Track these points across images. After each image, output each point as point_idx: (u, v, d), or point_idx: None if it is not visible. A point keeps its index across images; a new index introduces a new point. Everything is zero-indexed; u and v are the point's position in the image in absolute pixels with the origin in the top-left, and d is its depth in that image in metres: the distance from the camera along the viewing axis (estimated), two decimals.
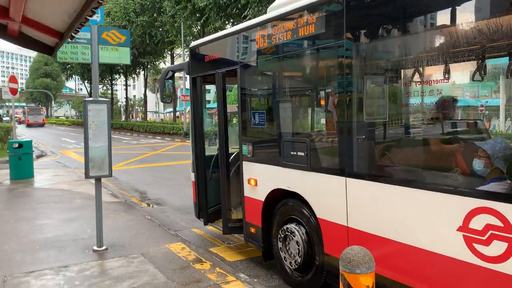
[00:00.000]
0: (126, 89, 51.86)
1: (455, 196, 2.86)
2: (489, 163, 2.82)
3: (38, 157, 17.62)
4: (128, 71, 47.40)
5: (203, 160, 6.25)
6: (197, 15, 24.73)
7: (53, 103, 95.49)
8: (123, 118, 55.52)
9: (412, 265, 3.20)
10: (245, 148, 5.13)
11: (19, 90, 14.02)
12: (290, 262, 4.52)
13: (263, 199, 4.88)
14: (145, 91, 49.39)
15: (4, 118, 52.21)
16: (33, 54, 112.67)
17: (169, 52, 42.31)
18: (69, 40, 4.51)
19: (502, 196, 2.67)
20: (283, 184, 4.57)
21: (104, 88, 57.38)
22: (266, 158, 4.89)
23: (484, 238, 2.71)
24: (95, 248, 5.61)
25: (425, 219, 3.09)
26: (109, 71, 46.77)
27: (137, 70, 48.73)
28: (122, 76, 51.31)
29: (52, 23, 3.96)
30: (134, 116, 66.19)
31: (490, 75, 3.10)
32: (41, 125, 53.89)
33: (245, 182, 5.17)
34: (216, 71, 5.62)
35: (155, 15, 35.31)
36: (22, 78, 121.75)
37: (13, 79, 13.51)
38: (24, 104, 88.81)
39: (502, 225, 2.61)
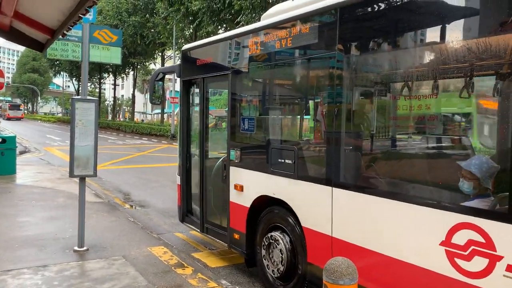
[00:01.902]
0: (115, 89, 51.47)
1: (438, 210, 2.89)
2: (477, 184, 2.83)
3: (22, 153, 17.35)
4: (117, 70, 47.04)
5: (190, 163, 6.27)
6: (190, 18, 24.73)
7: (39, 99, 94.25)
8: (110, 118, 55.01)
9: (395, 277, 3.23)
10: (232, 153, 5.10)
11: (4, 84, 13.81)
12: (273, 270, 4.50)
13: (248, 205, 4.85)
14: (133, 91, 49.07)
15: None
16: (21, 48, 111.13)
17: (160, 54, 42.16)
18: (60, 37, 4.47)
19: (484, 212, 2.70)
20: (269, 191, 4.56)
21: (92, 86, 56.81)
22: (254, 164, 4.88)
23: (466, 253, 2.74)
24: (76, 248, 5.54)
25: (408, 232, 3.12)
26: (98, 69, 46.37)
27: (127, 70, 48.40)
28: (111, 75, 50.93)
29: (44, 19, 3.92)
30: (121, 116, 65.67)
31: (478, 92, 3.13)
32: (19, 119, 63.11)
33: (231, 187, 5.13)
34: (207, 75, 5.66)
35: (147, 16, 35.17)
36: (9, 73, 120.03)
37: None
38: (9, 98, 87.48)
39: (483, 241, 2.64)
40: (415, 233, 3.07)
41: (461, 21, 3.00)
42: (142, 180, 12.26)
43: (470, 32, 2.96)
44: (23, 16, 3.83)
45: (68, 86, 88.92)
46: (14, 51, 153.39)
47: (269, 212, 4.66)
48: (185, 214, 6.36)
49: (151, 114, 63.14)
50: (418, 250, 3.05)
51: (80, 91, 5.36)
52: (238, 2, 19.37)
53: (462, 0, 2.98)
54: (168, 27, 29.62)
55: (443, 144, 3.43)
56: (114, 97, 52.93)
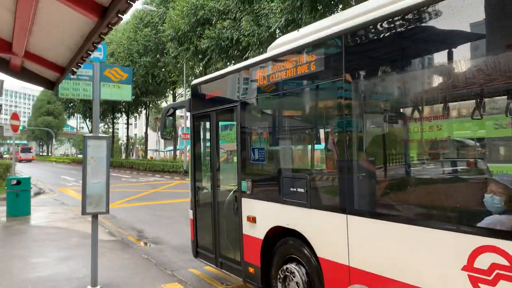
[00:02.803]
0: (128, 128, 52.21)
1: (458, 234, 2.79)
2: (506, 199, 2.69)
3: (36, 194, 17.47)
4: (130, 109, 47.89)
5: (201, 197, 6.22)
6: (200, 56, 25.28)
7: (54, 141, 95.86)
8: (123, 156, 55.54)
9: None
10: (244, 184, 5.04)
11: (20, 127, 14.10)
12: None
13: (262, 237, 4.73)
14: (146, 129, 49.70)
15: (4, 156, 52.71)
16: (36, 93, 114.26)
17: (171, 92, 42.91)
18: (71, 76, 4.55)
19: (507, 234, 2.57)
20: (282, 221, 4.45)
21: (106, 126, 57.78)
22: (265, 194, 4.80)
23: (490, 278, 2.62)
24: (89, 287, 5.43)
25: (428, 258, 2.99)
26: (111, 109, 47.26)
27: (139, 109, 49.24)
28: (123, 115, 51.80)
29: (54, 57, 4.00)
30: (134, 154, 66.32)
31: (489, 113, 3.06)
32: (30, 160, 67.27)
33: (244, 219, 5.05)
34: (216, 108, 5.70)
35: (158, 55, 36.04)
36: (25, 116, 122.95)
37: (15, 116, 13.62)
38: (25, 141, 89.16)
39: (508, 264, 2.52)
40: (436, 259, 2.95)
41: (467, 44, 3.00)
42: (156, 217, 12.17)
43: (477, 52, 2.93)
44: (33, 55, 3.92)
45: (82, 128, 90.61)
46: (29, 95, 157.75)
47: (284, 243, 4.53)
48: (199, 249, 6.25)
49: (163, 151, 63.66)
50: (440, 276, 2.92)
51: (92, 129, 5.42)
52: (246, 39, 19.78)
53: (467, 24, 2.95)
54: (178, 65, 30.28)
55: (458, 167, 3.34)
56: (127, 136, 53.62)
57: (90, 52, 3.34)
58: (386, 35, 3.47)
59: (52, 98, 77.31)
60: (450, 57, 3.06)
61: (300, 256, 4.30)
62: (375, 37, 3.59)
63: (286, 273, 4.40)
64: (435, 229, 2.92)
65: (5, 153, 64.85)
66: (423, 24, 3.16)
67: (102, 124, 54.50)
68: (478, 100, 3.00)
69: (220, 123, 5.96)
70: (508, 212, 2.69)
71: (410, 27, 3.25)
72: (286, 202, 4.37)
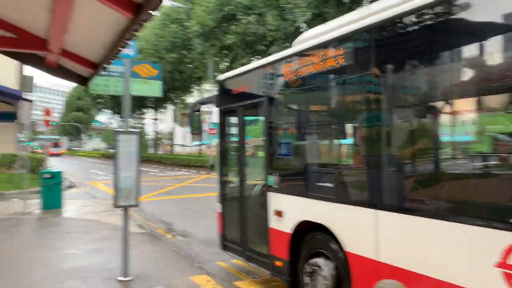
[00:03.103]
0: (155, 123, 52.97)
1: (492, 230, 2.75)
2: None
3: (68, 188, 17.97)
4: (157, 105, 48.57)
5: (229, 190, 6.33)
6: (225, 52, 25.41)
7: (84, 136, 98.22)
8: (151, 151, 56.42)
9: None
10: (271, 179, 5.09)
11: (53, 123, 14.53)
12: None
13: (289, 231, 4.76)
14: (173, 124, 50.31)
15: (36, 150, 54.40)
16: (67, 89, 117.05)
17: (197, 88, 43.26)
18: (103, 72, 4.67)
19: None
20: (309, 216, 4.49)
21: (134, 122, 58.82)
22: (293, 189, 4.83)
23: None
24: (120, 278, 5.59)
25: (460, 254, 2.97)
26: (139, 105, 48.03)
27: (166, 105, 49.88)
28: (151, 110, 52.59)
29: (87, 54, 4.12)
30: (162, 149, 67.29)
31: None
32: (59, 155, 67.86)
33: (271, 214, 5.09)
34: (243, 103, 5.77)
35: (184, 52, 36.39)
36: (57, 112, 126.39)
37: (47, 112, 14.05)
38: (57, 137, 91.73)
39: None
40: (468, 255, 2.93)
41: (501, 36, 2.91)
42: (183, 210, 12.36)
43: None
44: (68, 52, 4.05)
45: (111, 123, 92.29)
46: (61, 92, 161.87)
47: (311, 238, 4.55)
48: (226, 242, 6.36)
49: (190, 146, 64.34)
50: (472, 273, 2.90)
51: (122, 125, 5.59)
52: (271, 34, 19.76)
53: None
54: (204, 61, 30.51)
55: (491, 162, 3.27)
56: (155, 131, 54.44)
57: (122, 49, 3.43)
58: (413, 28, 3.44)
59: (82, 94, 79.10)
60: (486, 49, 2.98)
61: (327, 250, 4.30)
62: (402, 31, 3.57)
63: (314, 267, 4.42)
64: (468, 224, 2.89)
65: (38, 147, 66.71)
66: (454, 17, 3.09)
67: (130, 119, 55.44)
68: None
69: (247, 118, 5.99)
70: None
71: (439, 19, 3.20)
72: (313, 196, 4.38)
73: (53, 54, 3.92)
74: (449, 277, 3.01)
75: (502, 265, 2.67)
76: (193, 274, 5.81)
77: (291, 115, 5.37)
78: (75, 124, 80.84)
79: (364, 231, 3.73)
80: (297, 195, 4.67)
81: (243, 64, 22.59)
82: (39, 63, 4.53)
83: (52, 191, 11.60)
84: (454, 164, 3.48)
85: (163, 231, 9.51)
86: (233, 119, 6.23)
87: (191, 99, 49.90)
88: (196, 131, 7.02)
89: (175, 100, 47.69)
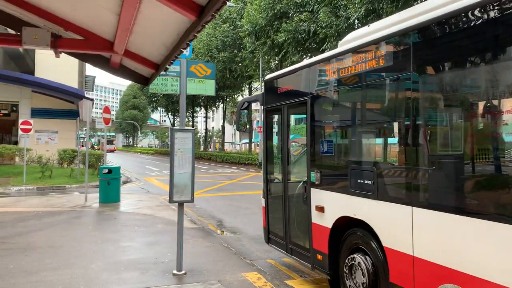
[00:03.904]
0: (206, 121, 54.04)
1: None
2: None
3: (124, 183, 18.74)
4: (208, 104, 49.49)
5: (273, 186, 6.56)
6: (276, 50, 25.41)
7: (139, 133, 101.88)
8: (201, 148, 57.63)
9: None
10: (313, 175, 5.26)
11: (111, 120, 15.18)
12: None
13: (330, 226, 4.93)
14: (223, 123, 51.09)
15: (95, 147, 56.98)
16: (123, 88, 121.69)
17: (247, 86, 43.64)
18: (162, 72, 4.83)
19: None
20: (349, 211, 4.61)
21: (186, 120, 60.22)
22: (334, 185, 5.00)
23: None
24: (175, 272, 5.76)
25: (492, 250, 3.00)
26: (191, 103, 49.16)
27: (217, 103, 50.72)
28: (202, 109, 53.66)
29: (150, 55, 4.28)
30: (212, 146, 68.50)
31: None
32: (112, 151, 71.30)
33: (313, 209, 5.26)
34: (288, 102, 5.98)
35: (235, 51, 36.82)
36: (113, 110, 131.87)
37: (106, 110, 14.69)
38: (113, 133, 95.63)
39: None
40: (500, 251, 2.93)
41: None
42: (233, 207, 12.53)
43: None
44: (132, 53, 4.22)
45: (164, 121, 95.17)
46: (117, 90, 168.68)
47: (351, 233, 4.68)
48: (270, 236, 6.57)
49: (239, 144, 65.02)
50: (505, 269, 2.90)
51: (177, 123, 5.73)
52: (323, 31, 19.54)
53: None
54: (255, 60, 30.73)
55: None
56: (206, 128, 55.54)
57: (183, 50, 3.54)
58: (451, 31, 3.47)
59: (137, 93, 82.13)
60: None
61: (366, 246, 4.42)
62: (439, 34, 3.61)
63: (353, 262, 4.53)
64: (500, 222, 2.90)
65: (95, 144, 69.98)
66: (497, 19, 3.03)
67: None
68: None
69: (292, 117, 6.20)
70: None
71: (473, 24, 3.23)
72: (353, 193, 4.52)
73: (117, 55, 4.11)
74: (482, 273, 3.06)
75: None
76: (244, 271, 5.89)
77: (333, 114, 5.50)
78: (131, 121, 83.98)
79: (401, 226, 3.84)
80: (338, 192, 4.84)
81: (293, 62, 22.57)
82: (104, 63, 4.76)
83: (110, 185, 12.14)
84: (490, 164, 3.39)
85: (214, 227, 9.69)
86: (278, 118, 6.45)
87: (241, 97, 50.40)
88: (243, 128, 7.30)
89: (226, 99, 48.36)
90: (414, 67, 3.76)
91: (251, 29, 26.23)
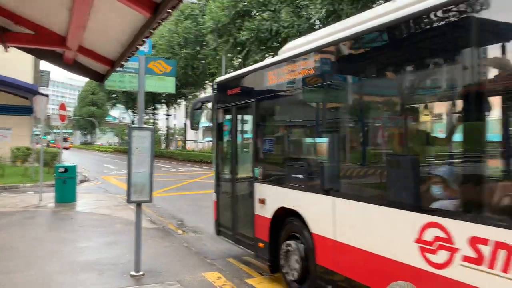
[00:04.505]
0: (167, 119, 53.30)
1: (413, 212, 3.40)
2: (447, 187, 3.27)
3: (81, 182, 18.20)
4: (170, 101, 48.81)
5: (223, 182, 7.05)
6: (238, 48, 25.40)
7: (97, 130, 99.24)
8: (163, 147, 56.79)
9: (382, 271, 3.72)
10: (256, 171, 5.89)
11: (67, 117, 14.70)
12: (293, 274, 5.07)
13: (270, 217, 5.52)
14: (185, 120, 50.56)
15: (51, 144, 55.00)
16: (81, 83, 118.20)
17: (210, 84, 43.38)
18: (119, 68, 4.72)
19: (445, 212, 3.17)
20: (285, 203, 5.21)
21: (147, 117, 59.21)
22: (273, 180, 5.59)
23: (432, 247, 3.22)
24: (133, 273, 5.66)
25: (390, 232, 3.65)
26: (152, 100, 48.34)
27: (178, 100, 50.09)
28: (164, 106, 52.87)
29: (105, 51, 4.17)
30: (174, 144, 67.71)
31: None
32: (67, 149, 67.98)
33: (256, 201, 5.86)
34: (235, 103, 6.50)
35: (197, 48, 36.48)
36: (70, 106, 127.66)
37: (62, 107, 14.21)
38: (71, 130, 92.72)
39: (446, 236, 3.11)
40: (396, 233, 3.58)
41: None
42: (195, 207, 12.43)
43: None
44: (86, 50, 4.10)
45: (124, 118, 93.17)
46: (75, 86, 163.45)
47: (288, 223, 5.26)
48: (220, 228, 7.10)
49: (202, 142, 64.60)
50: (399, 248, 3.54)
51: (135, 121, 5.66)
52: (285, 31, 19.70)
53: None
54: (217, 57, 30.55)
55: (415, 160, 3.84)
56: (167, 126, 54.78)
57: (139, 47, 3.46)
58: (353, 48, 4.27)
59: (96, 89, 79.94)
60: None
61: (299, 233, 5.03)
62: (346, 49, 4.34)
63: (288, 248, 5.13)
64: (397, 208, 3.56)
65: (52, 141, 67.32)
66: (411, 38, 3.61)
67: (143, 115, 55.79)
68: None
69: (239, 117, 6.68)
70: (448, 197, 3.27)
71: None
72: (289, 186, 5.13)
73: (71, 51, 3.97)
74: (380, 249, 3.73)
75: (419, 240, 3.33)
76: (204, 270, 5.86)
77: (273, 116, 6.09)
78: (89, 118, 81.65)
79: (325, 214, 4.46)
80: (276, 185, 5.44)
81: (256, 61, 22.65)
82: (57, 59, 4.60)
83: (66, 184, 11.75)
84: (385, 161, 4.08)
85: (175, 226, 9.59)
86: (227, 118, 6.89)
87: (204, 95, 50.07)
88: (196, 127, 7.74)
89: (188, 96, 47.87)
90: (335, 77, 4.44)
91: (213, 26, 26.08)
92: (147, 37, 3.22)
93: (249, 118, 6.31)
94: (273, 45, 22.78)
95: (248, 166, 6.23)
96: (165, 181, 19.12)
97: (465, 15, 3.09)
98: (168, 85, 7.41)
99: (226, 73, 29.98)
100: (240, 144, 6.72)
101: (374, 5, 16.28)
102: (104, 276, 5.63)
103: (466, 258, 2.95)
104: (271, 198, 5.51)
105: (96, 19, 3.19)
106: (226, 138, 7.10)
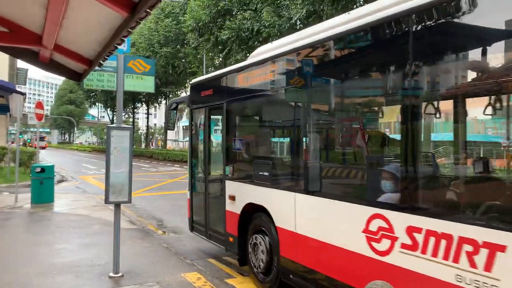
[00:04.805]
0: (148, 118, 52.77)
1: (360, 205, 3.77)
2: (394, 183, 3.57)
3: (59, 182, 17.87)
4: (150, 100, 48.33)
5: (196, 180, 7.39)
6: (220, 47, 25.29)
7: (75, 129, 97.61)
8: (143, 146, 56.24)
9: (335, 259, 4.08)
10: (227, 169, 6.19)
11: (44, 116, 14.40)
12: (259, 266, 5.43)
13: (239, 212, 5.82)
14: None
15: (28, 144, 53.83)
16: (59, 82, 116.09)
17: (191, 83, 43.16)
18: (97, 67, 4.64)
19: (387, 205, 3.54)
20: (253, 199, 5.53)
21: (126, 116, 58.50)
22: (242, 177, 5.93)
23: (377, 237, 3.57)
24: (111, 274, 5.59)
25: (342, 223, 4.01)
26: (131, 99, 47.78)
27: (159, 99, 49.64)
28: (144, 105, 52.33)
29: (82, 50, 4.09)
30: (154, 144, 67.07)
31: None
32: (43, 148, 67.15)
33: (227, 198, 6.14)
34: (208, 104, 6.81)
35: (178, 46, 36.22)
36: (48, 105, 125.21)
37: (39, 105, 13.91)
38: (48, 129, 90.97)
39: (387, 226, 3.47)
40: (347, 224, 3.94)
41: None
42: (175, 207, 12.33)
43: None
44: (62, 48, 4.02)
45: (103, 117, 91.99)
46: (52, 84, 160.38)
47: (256, 217, 5.56)
48: (194, 224, 7.41)
49: (182, 142, 64.18)
50: (349, 237, 3.91)
51: (115, 120, 5.60)
52: (266, 30, 19.72)
53: None
54: (198, 56, 30.38)
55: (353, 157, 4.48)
56: (147, 126, 54.24)
57: (117, 46, 3.41)
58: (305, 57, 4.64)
59: (74, 88, 78.54)
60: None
61: (265, 227, 5.36)
62: (299, 59, 4.72)
63: (256, 241, 5.48)
64: (347, 202, 3.97)
65: (28, 140, 65.74)
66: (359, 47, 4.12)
67: (123, 114, 55.10)
68: None
69: (211, 118, 7.01)
70: (389, 191, 3.62)
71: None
72: (256, 183, 5.45)
73: (47, 49, 3.89)
74: (334, 240, 4.07)
75: (366, 230, 3.68)
76: (184, 271, 5.82)
77: (241, 117, 6.44)
78: (67, 117, 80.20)
79: (287, 209, 4.80)
80: (245, 182, 5.75)
81: (237, 60, 22.62)
82: (33, 58, 4.49)
83: (43, 185, 11.51)
84: (338, 160, 4.70)
85: (154, 227, 9.51)
86: (201, 118, 7.20)
87: (184, 94, 49.75)
88: (172, 126, 8.09)
89: (169, 95, 47.49)
90: (292, 83, 4.85)
91: (194, 25, 25.91)
92: (125, 36, 3.17)
93: (220, 118, 6.59)
94: (254, 44, 22.76)
95: (219, 165, 6.50)
96: (145, 180, 18.94)
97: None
98: (147, 84, 7.34)
99: (207, 72, 29.86)
100: (213, 144, 7.13)
101: (354, 6, 16.45)
102: (82, 278, 5.54)
103: (404, 245, 3.31)
104: (240, 194, 5.82)
105: (72, 17, 3.13)
106: (199, 138, 7.35)
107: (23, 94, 15.11)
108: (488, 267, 2.72)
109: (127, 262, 6.09)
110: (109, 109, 56.41)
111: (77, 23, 3.39)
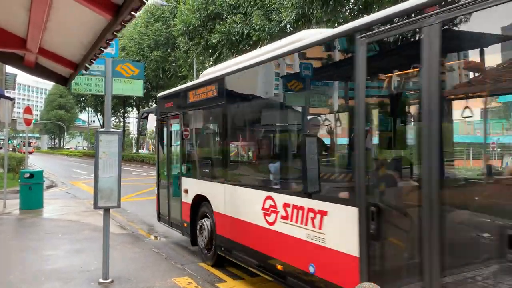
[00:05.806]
0: (139, 122, 52.47)
1: (260, 190, 5.21)
2: (274, 173, 5.21)
3: (49, 187, 17.70)
4: (140, 104, 48.10)
5: (162, 178, 8.80)
6: (210, 51, 25.20)
7: (66, 134, 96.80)
8: (134, 150, 55.91)
9: (246, 231, 5.51)
10: (183, 167, 7.64)
11: (33, 121, 14.25)
12: (204, 242, 6.77)
13: (190, 202, 7.19)
14: (157, 124, 49.97)
15: (18, 149, 53.28)
16: (48, 86, 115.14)
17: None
18: (84, 71, 4.60)
19: (273, 189, 5.08)
20: (198, 190, 6.95)
21: (117, 120, 58.16)
22: (192, 173, 7.39)
23: (268, 212, 4.99)
24: (101, 280, 5.52)
25: (252, 205, 5.34)
26: (122, 104, 47.54)
27: (150, 103, 49.39)
28: (134, 109, 52.06)
29: (67, 54, 4.04)
30: (145, 148, 66.71)
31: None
32: (30, 153, 67.94)
33: (182, 191, 7.56)
34: (170, 114, 8.25)
35: (169, 50, 36.09)
36: (38, 110, 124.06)
37: (27, 110, 13.79)
38: (38, 135, 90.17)
39: (274, 204, 4.88)
40: (253, 205, 5.31)
41: None
42: None
43: None
44: (47, 52, 3.96)
45: (93, 121, 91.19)
46: (42, 89, 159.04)
47: (203, 206, 6.87)
48: (160, 215, 8.78)
49: (174, 146, 63.92)
50: (255, 214, 5.25)
51: (104, 124, 5.59)
52: (256, 34, 19.71)
53: None
54: (189, 60, 30.30)
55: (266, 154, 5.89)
56: (138, 130, 53.97)
57: (103, 49, 3.37)
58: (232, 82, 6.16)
59: (64, 92, 77.90)
60: None
61: (207, 212, 6.72)
62: (227, 82, 6.15)
63: (201, 225, 6.87)
64: (252, 188, 5.46)
65: (18, 146, 65.00)
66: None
67: (113, 118, 54.76)
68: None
69: (172, 126, 8.38)
70: (275, 179, 5.23)
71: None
72: (201, 178, 7.00)
73: (31, 53, 3.84)
74: (246, 217, 5.53)
75: (262, 208, 5.09)
76: (175, 276, 5.77)
77: (192, 126, 7.72)
78: (57, 122, 79.51)
79: (220, 196, 6.22)
80: (194, 178, 7.24)
81: None
82: (18, 62, 4.43)
83: (32, 190, 11.39)
84: (248, 158, 6.42)
85: (145, 232, 9.44)
86: (165, 126, 8.65)
87: None
88: (143, 133, 10.22)
89: None
90: (225, 101, 6.15)
91: (184, 28, 25.80)
92: (110, 40, 3.14)
93: (178, 126, 7.95)
94: (245, 48, 22.75)
95: (178, 165, 7.96)
96: (136, 185, 18.82)
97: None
98: (136, 88, 7.31)
99: (197, 75, 29.78)
100: (173, 147, 8.50)
101: (343, 9, 16.53)
102: (71, 284, 5.47)
103: (282, 216, 4.71)
104: (191, 188, 7.23)
105: (56, 20, 3.08)
106: (164, 142, 8.77)
107: (12, 99, 14.94)
108: (320, 226, 4.09)
109: (117, 267, 6.02)
110: (99, 113, 55.99)
111: (61, 27, 3.34)
